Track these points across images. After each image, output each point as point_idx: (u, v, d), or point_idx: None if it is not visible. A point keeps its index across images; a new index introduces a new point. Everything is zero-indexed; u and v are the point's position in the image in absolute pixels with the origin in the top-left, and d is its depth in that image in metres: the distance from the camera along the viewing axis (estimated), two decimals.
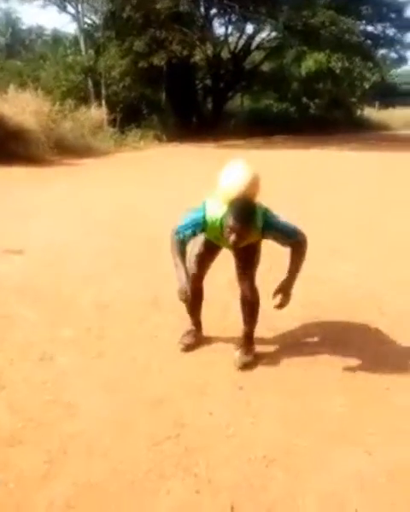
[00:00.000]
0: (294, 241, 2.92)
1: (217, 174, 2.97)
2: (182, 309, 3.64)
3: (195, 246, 3.16)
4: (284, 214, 3.05)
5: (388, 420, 2.69)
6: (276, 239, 2.92)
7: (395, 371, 3.15)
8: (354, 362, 3.24)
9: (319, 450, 2.45)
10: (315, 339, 3.55)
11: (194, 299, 3.18)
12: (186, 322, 3.46)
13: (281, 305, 3.01)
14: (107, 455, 2.36)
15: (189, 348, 3.32)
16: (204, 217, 2.88)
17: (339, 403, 2.83)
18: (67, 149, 13.06)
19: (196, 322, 3.44)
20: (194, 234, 2.97)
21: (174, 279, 3.00)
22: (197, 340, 3.40)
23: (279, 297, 3.00)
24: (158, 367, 3.11)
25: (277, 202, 3.20)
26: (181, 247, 2.99)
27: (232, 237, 2.72)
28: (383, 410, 2.77)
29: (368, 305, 4.14)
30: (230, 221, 2.69)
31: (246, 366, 3.13)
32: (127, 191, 8.60)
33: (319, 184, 9.77)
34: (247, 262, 3.12)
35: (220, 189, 2.86)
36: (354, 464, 2.37)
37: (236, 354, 3.20)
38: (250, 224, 2.74)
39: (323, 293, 4.35)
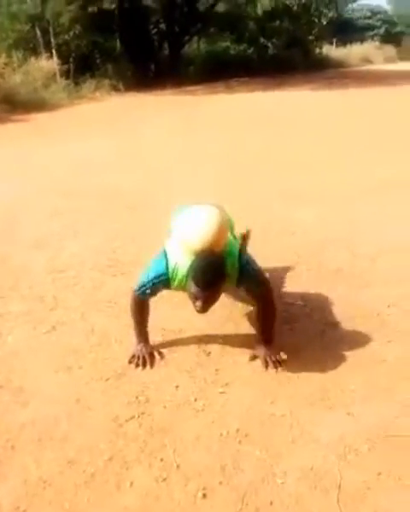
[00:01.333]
0: (264, 288, 2.54)
1: (177, 124, 2.62)
2: (141, 271, 3.37)
3: None
4: (247, 162, 2.74)
5: (367, 376, 2.49)
6: (248, 288, 2.55)
7: (374, 321, 2.94)
8: (330, 314, 3.02)
9: (297, 418, 2.23)
10: (288, 291, 3.31)
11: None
12: None
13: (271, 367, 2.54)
14: (62, 445, 2.10)
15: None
16: (167, 270, 2.41)
17: (317, 360, 2.60)
18: (18, 104, 12.28)
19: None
20: (156, 292, 2.53)
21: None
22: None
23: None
24: (117, 337, 2.83)
25: (238, 149, 2.86)
26: (142, 306, 2.60)
27: (198, 304, 2.27)
28: (363, 366, 2.56)
29: (339, 248, 3.90)
30: (192, 287, 2.24)
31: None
32: (83, 146, 8.09)
33: (279, 128, 9.37)
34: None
35: (182, 237, 2.38)
36: (335, 430, 2.16)
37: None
38: (220, 286, 2.30)
39: (292, 240, 4.10)
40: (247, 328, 2.91)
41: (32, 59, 15.11)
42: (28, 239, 4.26)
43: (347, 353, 2.66)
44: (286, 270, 3.59)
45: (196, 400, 2.34)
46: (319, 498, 1.85)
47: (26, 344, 2.81)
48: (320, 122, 9.97)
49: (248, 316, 3.01)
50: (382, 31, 36.10)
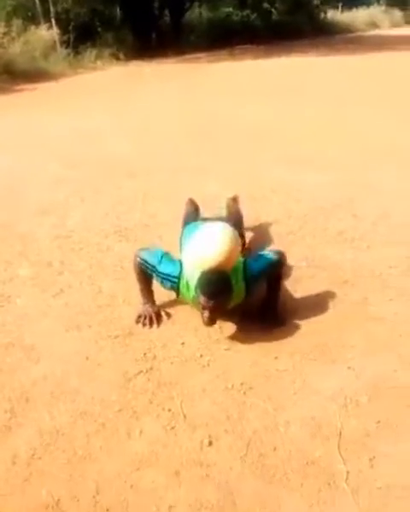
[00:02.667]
0: (275, 272, 2.64)
1: (180, 93, 2.66)
2: (146, 237, 3.43)
3: None
4: (252, 129, 2.78)
5: (368, 332, 2.56)
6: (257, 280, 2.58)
7: (375, 281, 3.00)
8: (333, 275, 3.08)
9: (300, 372, 2.31)
10: (292, 254, 3.36)
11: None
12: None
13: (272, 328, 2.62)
14: (74, 398, 2.20)
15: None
16: (179, 276, 2.49)
17: (318, 318, 2.68)
18: (18, 74, 12.19)
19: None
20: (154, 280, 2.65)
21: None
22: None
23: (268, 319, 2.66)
24: (124, 298, 2.90)
25: (243, 117, 2.88)
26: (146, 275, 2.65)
27: (206, 315, 2.35)
28: (363, 323, 2.63)
29: (343, 213, 3.94)
30: (201, 298, 2.31)
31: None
32: (85, 115, 8.05)
33: (284, 95, 9.28)
34: None
35: (195, 254, 2.42)
36: (335, 383, 2.24)
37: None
38: (227, 297, 2.37)
39: (297, 203, 4.13)
40: None
41: (32, 28, 14.90)
42: (33, 207, 4.30)
43: (348, 312, 2.74)
44: (291, 233, 3.64)
45: (201, 356, 2.43)
46: (320, 445, 1.94)
47: (36, 306, 2.89)
48: (326, 88, 9.87)
49: None
50: None
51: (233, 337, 2.55)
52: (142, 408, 2.13)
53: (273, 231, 3.64)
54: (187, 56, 16.73)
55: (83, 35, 16.22)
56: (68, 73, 13.50)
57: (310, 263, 3.22)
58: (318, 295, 2.89)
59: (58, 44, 15.19)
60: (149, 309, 2.71)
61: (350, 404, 2.12)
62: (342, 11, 27.34)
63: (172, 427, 2.03)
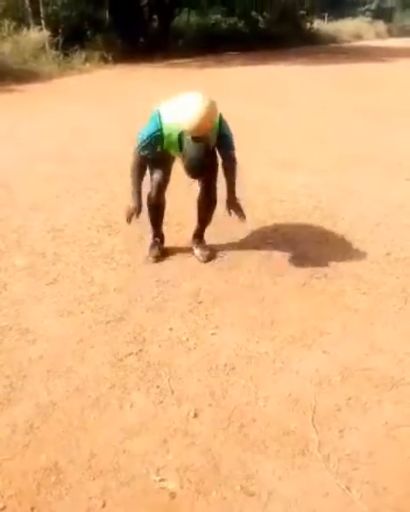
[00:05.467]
0: (232, 152, 3.08)
1: (167, 96, 2.91)
2: (137, 230, 3.59)
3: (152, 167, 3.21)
4: (237, 132, 3.02)
5: (343, 322, 2.76)
6: (220, 146, 3.03)
7: (351, 277, 3.20)
8: (312, 270, 3.27)
9: (279, 355, 2.50)
10: (273, 250, 3.55)
11: (158, 212, 3.34)
12: (143, 242, 3.43)
13: (242, 217, 3.20)
14: (68, 375, 2.36)
15: (158, 259, 3.39)
16: (161, 130, 2.92)
17: (298, 308, 2.88)
18: (7, 75, 12.22)
19: (160, 234, 3.50)
20: (154, 151, 3.01)
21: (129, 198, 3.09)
22: (162, 251, 3.46)
23: (234, 212, 3.20)
24: (115, 287, 3.07)
25: (230, 121, 3.08)
26: (141, 169, 3.11)
27: (192, 174, 2.86)
28: (339, 313, 2.83)
29: (322, 213, 4.15)
30: (186, 161, 2.80)
31: (210, 258, 3.39)
32: (75, 116, 8.20)
33: (270, 101, 9.52)
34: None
35: (176, 117, 2.83)
36: (311, 365, 2.43)
37: (196, 252, 3.43)
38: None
39: (279, 205, 4.33)
40: (235, 280, 3.16)
41: (25, 30, 14.99)
42: (26, 202, 4.44)
43: (325, 303, 2.94)
44: (275, 231, 3.83)
45: (188, 340, 2.61)
46: (295, 418, 2.13)
47: (30, 293, 3.04)
48: (310, 96, 10.12)
49: (235, 272, 3.26)
50: (373, 6, 35.91)
51: (218, 323, 2.73)
52: (132, 384, 2.30)
53: (258, 230, 3.83)
54: (175, 61, 16.94)
55: (72, 37, 16.33)
56: (57, 75, 13.60)
57: (290, 259, 3.42)
58: (297, 287, 3.08)
59: (48, 46, 15.30)
60: (136, 207, 3.13)
61: (324, 383, 2.32)
62: (327, 22, 27.82)
63: (161, 402, 2.20)
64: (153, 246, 3.45)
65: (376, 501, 1.79)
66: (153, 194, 3.20)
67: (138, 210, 3.14)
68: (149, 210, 3.30)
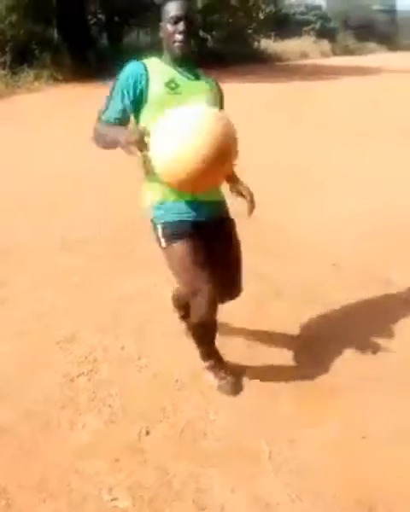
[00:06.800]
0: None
1: None
2: (91, 251, 3.59)
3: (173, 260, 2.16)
4: None
5: (290, 335, 2.83)
6: None
7: (305, 294, 3.28)
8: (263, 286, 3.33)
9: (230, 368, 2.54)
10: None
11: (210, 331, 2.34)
12: (96, 261, 3.45)
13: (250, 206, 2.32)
14: (19, 399, 2.33)
15: (236, 387, 2.41)
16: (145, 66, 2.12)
17: (248, 322, 2.92)
18: None
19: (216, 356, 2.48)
20: (130, 103, 2.11)
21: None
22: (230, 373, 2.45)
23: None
24: (65, 308, 3.06)
25: None
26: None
27: (179, 39, 2.09)
28: (290, 327, 2.90)
29: (275, 232, 4.23)
30: (168, 25, 2.10)
31: (236, 391, 2.40)
32: (23, 137, 8.12)
33: None
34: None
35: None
36: (261, 377, 2.48)
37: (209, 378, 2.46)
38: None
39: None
40: None
41: None
42: None
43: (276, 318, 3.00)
44: None
45: (139, 359, 2.62)
46: (246, 430, 2.17)
47: None
48: (257, 113, 10.30)
49: None
50: (317, 26, 37.03)
51: (170, 342, 2.75)
52: (84, 405, 2.30)
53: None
54: None
55: (20, 56, 16.23)
56: (5, 94, 13.46)
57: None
58: (242, 313, 3.00)
59: None
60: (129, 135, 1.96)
61: (274, 395, 2.37)
62: (274, 40, 28.49)
63: (113, 421, 2.21)
64: (214, 370, 2.44)
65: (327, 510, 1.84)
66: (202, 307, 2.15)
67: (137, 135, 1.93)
68: (194, 328, 2.32)
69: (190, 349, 2.65)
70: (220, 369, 2.43)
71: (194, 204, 2.15)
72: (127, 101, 2.12)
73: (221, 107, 2.31)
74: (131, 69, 2.14)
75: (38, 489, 1.89)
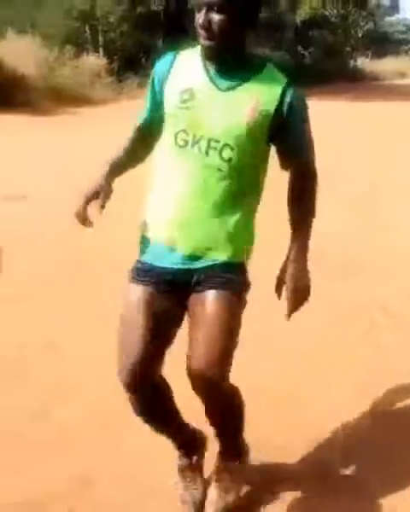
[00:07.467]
0: (303, 160, 1.67)
1: None
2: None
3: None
4: None
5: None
6: (282, 149, 1.65)
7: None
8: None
9: None
10: None
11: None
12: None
13: (291, 310, 1.67)
14: None
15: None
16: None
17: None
18: (64, 97, 13.00)
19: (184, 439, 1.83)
20: (154, 104, 1.68)
21: None
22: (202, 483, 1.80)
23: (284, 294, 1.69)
24: None
25: None
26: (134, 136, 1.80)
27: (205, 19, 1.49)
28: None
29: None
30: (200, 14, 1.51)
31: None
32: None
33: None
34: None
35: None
36: None
37: (211, 495, 1.75)
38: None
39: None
40: None
41: (84, 55, 16.01)
42: None
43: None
44: None
45: None
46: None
47: None
48: (351, 135, 10.15)
49: None
50: None
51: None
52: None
53: None
54: None
55: (127, 64, 17.34)
56: (112, 100, 14.30)
57: None
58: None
59: (103, 72, 16.34)
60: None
61: None
62: (371, 59, 28.38)
63: None
64: (181, 470, 1.82)
65: None
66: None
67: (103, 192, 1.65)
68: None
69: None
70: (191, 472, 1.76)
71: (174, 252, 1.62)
72: (151, 102, 1.70)
73: (289, 122, 1.60)
74: (159, 63, 1.68)
75: None
